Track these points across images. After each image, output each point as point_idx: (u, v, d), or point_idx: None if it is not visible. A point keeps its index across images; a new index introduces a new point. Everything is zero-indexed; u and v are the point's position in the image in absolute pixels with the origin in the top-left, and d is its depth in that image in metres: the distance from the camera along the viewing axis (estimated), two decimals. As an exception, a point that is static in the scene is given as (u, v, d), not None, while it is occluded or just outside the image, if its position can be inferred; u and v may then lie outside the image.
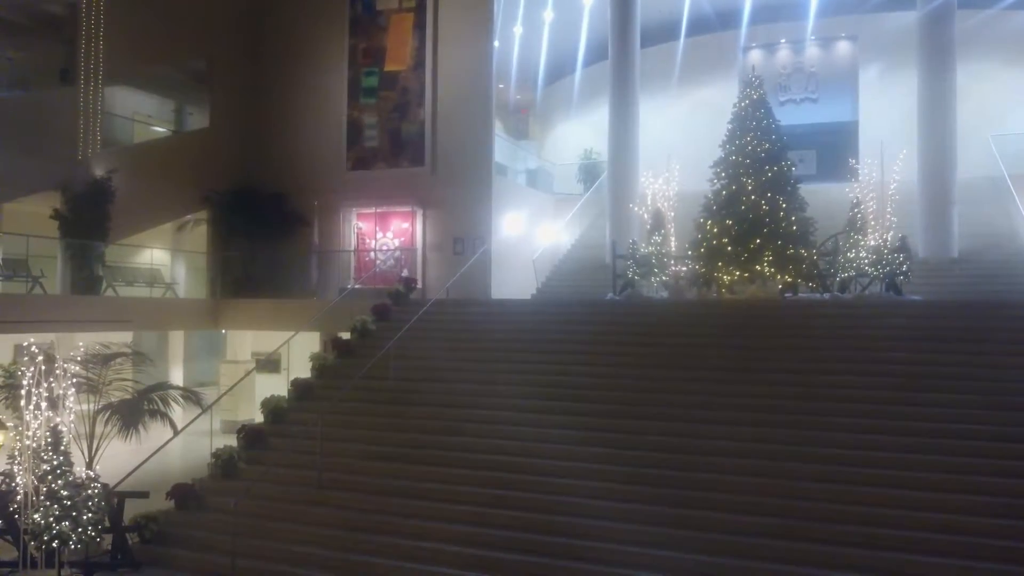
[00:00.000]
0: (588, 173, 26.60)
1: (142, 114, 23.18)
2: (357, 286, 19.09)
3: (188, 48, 21.79)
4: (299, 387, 14.04)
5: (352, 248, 21.35)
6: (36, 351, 9.84)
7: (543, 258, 22.11)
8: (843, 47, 25.73)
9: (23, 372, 9.88)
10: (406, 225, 20.93)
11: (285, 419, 13.33)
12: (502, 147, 23.20)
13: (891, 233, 15.46)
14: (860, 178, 16.36)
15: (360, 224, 21.48)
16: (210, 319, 20.07)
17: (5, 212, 18.17)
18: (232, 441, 12.83)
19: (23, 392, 9.81)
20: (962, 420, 10.64)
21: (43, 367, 9.82)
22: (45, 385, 9.81)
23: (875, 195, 15.90)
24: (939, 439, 10.37)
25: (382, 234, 21.18)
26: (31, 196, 17.51)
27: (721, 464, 10.55)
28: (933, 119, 19.28)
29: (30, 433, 9.82)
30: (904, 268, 14.89)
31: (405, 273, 19.60)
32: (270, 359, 17.97)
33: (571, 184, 27.05)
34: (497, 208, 20.40)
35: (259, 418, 13.85)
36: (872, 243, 15.27)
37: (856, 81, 25.19)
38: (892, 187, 15.92)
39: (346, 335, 15.69)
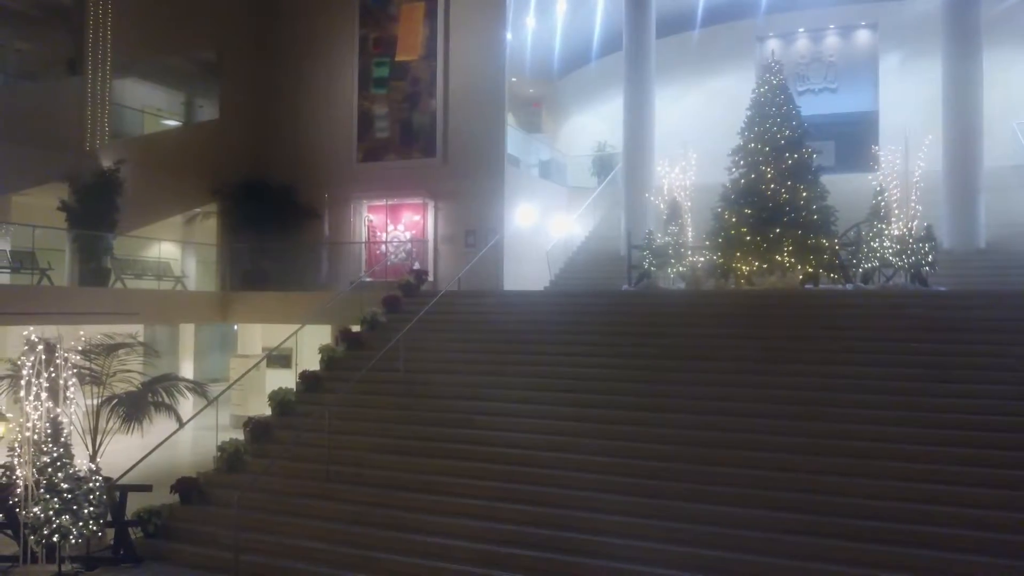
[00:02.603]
0: (602, 165, 26.23)
1: (152, 107, 23.01)
2: (368, 279, 18.82)
3: (197, 39, 21.58)
4: (307, 379, 13.76)
5: (363, 240, 21.08)
6: (36, 340, 9.61)
7: (556, 250, 21.77)
8: (862, 35, 25.24)
9: (23, 362, 9.66)
10: (417, 217, 20.64)
11: (293, 412, 13.07)
12: (515, 139, 22.86)
13: (916, 222, 15.00)
14: (883, 166, 15.90)
15: (371, 216, 21.22)
16: (219, 312, 19.85)
17: (12, 204, 18.01)
18: (241, 436, 12.58)
19: (23, 382, 9.59)
20: (992, 412, 10.21)
21: (43, 357, 9.59)
22: (45, 375, 9.58)
23: (899, 183, 15.44)
24: (968, 432, 9.98)
25: (393, 226, 20.90)
26: (38, 187, 17.34)
27: (741, 458, 10.17)
28: (958, 107, 18.75)
29: (30, 425, 9.59)
30: (930, 258, 14.43)
31: (417, 266, 19.30)
32: (279, 353, 17.71)
33: (585, 176, 26.68)
34: (510, 200, 20.08)
35: (269, 412, 13.61)
36: (896, 232, 14.81)
37: (876, 70, 24.71)
38: (917, 175, 15.46)
39: (356, 327, 15.41)
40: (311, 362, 15.18)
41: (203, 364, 24.97)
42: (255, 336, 22.33)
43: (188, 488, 11.05)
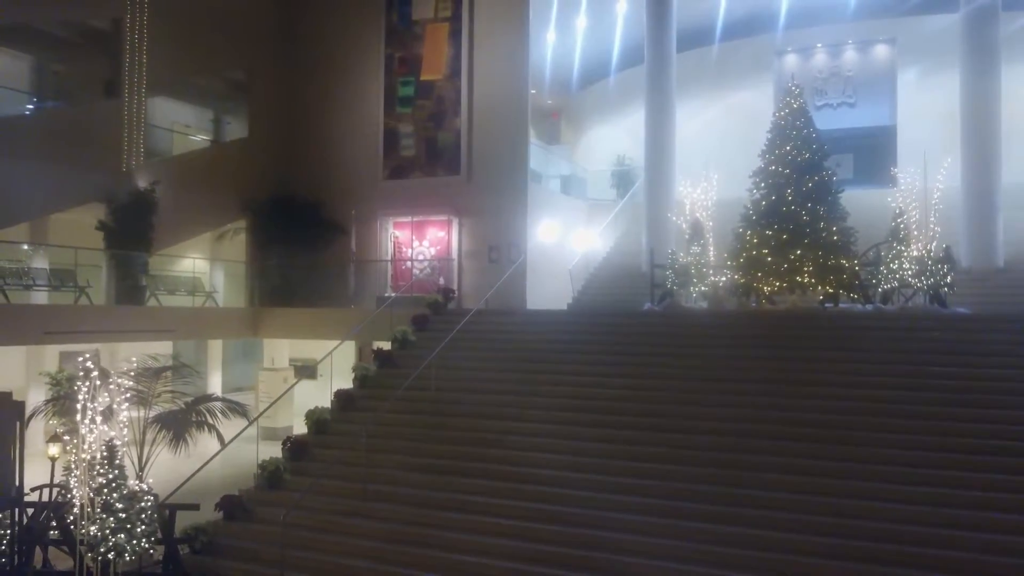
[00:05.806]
0: (622, 179, 26.49)
1: (181, 124, 23.56)
2: (396, 294, 19.21)
3: (227, 59, 22.12)
4: (341, 398, 14.15)
5: (389, 257, 21.50)
6: (91, 366, 10.04)
7: (577, 265, 22.07)
8: (881, 50, 25.39)
9: (78, 387, 10.10)
10: (442, 234, 21.04)
11: (328, 430, 13.46)
12: (535, 153, 23.18)
13: (935, 243, 15.22)
14: (901, 185, 16.11)
15: (396, 232, 21.64)
16: (249, 328, 20.31)
17: (52, 223, 18.55)
18: (272, 447, 12.99)
19: (78, 407, 10.03)
20: (1015, 437, 10.45)
21: (97, 382, 10.03)
22: (99, 399, 10.01)
23: (917, 203, 15.65)
24: (991, 456, 10.23)
25: (418, 243, 21.31)
26: (77, 207, 17.85)
27: (766, 480, 10.48)
28: (977, 122, 18.81)
29: (85, 446, 10.03)
30: (948, 279, 14.65)
31: (442, 282, 19.68)
32: (305, 364, 18.16)
33: (604, 190, 26.96)
34: (531, 215, 20.43)
35: (297, 424, 13.99)
36: (915, 253, 15.04)
37: (894, 84, 24.85)
38: (936, 196, 15.67)
39: (386, 345, 15.81)
40: (337, 374, 15.54)
41: (231, 375, 25.44)
42: (282, 348, 22.78)
43: (232, 506, 11.47)
